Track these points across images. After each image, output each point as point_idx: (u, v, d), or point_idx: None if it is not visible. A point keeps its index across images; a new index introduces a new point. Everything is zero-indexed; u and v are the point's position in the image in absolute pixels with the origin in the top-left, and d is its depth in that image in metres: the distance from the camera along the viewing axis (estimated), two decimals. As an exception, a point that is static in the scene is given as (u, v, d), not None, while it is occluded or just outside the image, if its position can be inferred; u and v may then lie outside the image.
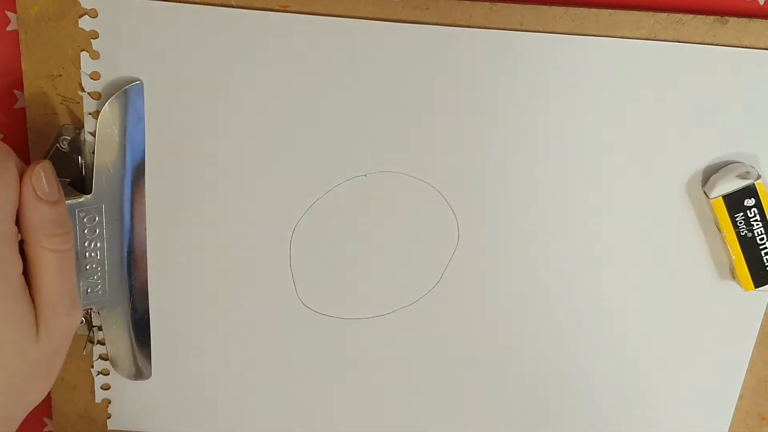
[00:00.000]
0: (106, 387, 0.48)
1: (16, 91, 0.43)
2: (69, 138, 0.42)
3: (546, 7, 0.41)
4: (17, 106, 0.43)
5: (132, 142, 0.42)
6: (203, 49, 0.42)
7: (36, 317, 0.38)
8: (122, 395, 0.49)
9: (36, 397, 0.40)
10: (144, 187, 0.43)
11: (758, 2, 0.42)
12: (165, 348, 0.48)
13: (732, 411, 0.50)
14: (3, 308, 0.37)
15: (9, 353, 0.37)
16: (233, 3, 0.41)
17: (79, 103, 0.42)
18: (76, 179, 0.42)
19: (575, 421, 0.50)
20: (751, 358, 0.49)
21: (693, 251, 0.46)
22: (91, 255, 0.42)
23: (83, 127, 0.42)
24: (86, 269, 0.43)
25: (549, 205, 0.45)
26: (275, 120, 0.43)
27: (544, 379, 0.49)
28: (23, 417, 0.40)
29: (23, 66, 0.41)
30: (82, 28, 0.41)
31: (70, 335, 0.40)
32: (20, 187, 0.37)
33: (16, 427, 0.40)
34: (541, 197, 0.45)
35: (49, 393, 0.41)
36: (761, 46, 0.42)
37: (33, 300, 0.38)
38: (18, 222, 0.37)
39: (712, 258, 0.47)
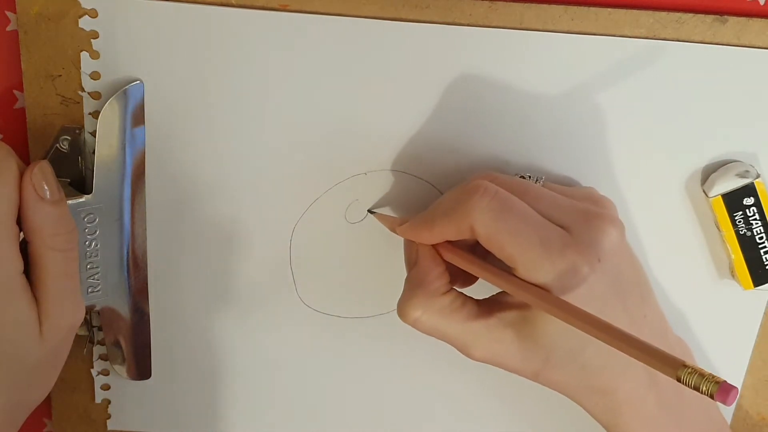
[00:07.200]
0: (105, 387, 0.48)
1: (15, 92, 0.43)
2: (69, 138, 0.42)
3: (545, 6, 0.41)
4: (17, 106, 0.43)
5: (132, 142, 0.42)
6: (203, 49, 0.42)
7: (39, 316, 0.38)
8: (122, 395, 0.49)
9: (39, 396, 0.40)
10: (144, 187, 0.43)
11: (758, 2, 0.42)
12: (165, 348, 0.47)
13: (732, 410, 0.50)
14: (3, 308, 0.37)
15: (11, 353, 0.37)
16: (233, 3, 0.41)
17: (79, 103, 0.42)
18: (76, 179, 0.42)
19: (575, 420, 0.50)
20: (751, 357, 0.49)
21: (692, 250, 0.46)
22: (91, 255, 0.42)
23: (83, 127, 0.42)
24: (86, 269, 0.42)
25: (549, 204, 0.45)
26: (275, 119, 0.43)
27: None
28: (26, 416, 0.40)
29: (23, 66, 0.41)
30: (82, 28, 0.41)
31: (73, 333, 0.40)
32: (20, 187, 0.37)
33: (20, 426, 0.40)
34: (541, 196, 0.45)
35: (48, 393, 0.41)
36: (761, 45, 0.42)
37: (37, 299, 0.38)
38: (21, 223, 0.37)
39: (712, 257, 0.47)
